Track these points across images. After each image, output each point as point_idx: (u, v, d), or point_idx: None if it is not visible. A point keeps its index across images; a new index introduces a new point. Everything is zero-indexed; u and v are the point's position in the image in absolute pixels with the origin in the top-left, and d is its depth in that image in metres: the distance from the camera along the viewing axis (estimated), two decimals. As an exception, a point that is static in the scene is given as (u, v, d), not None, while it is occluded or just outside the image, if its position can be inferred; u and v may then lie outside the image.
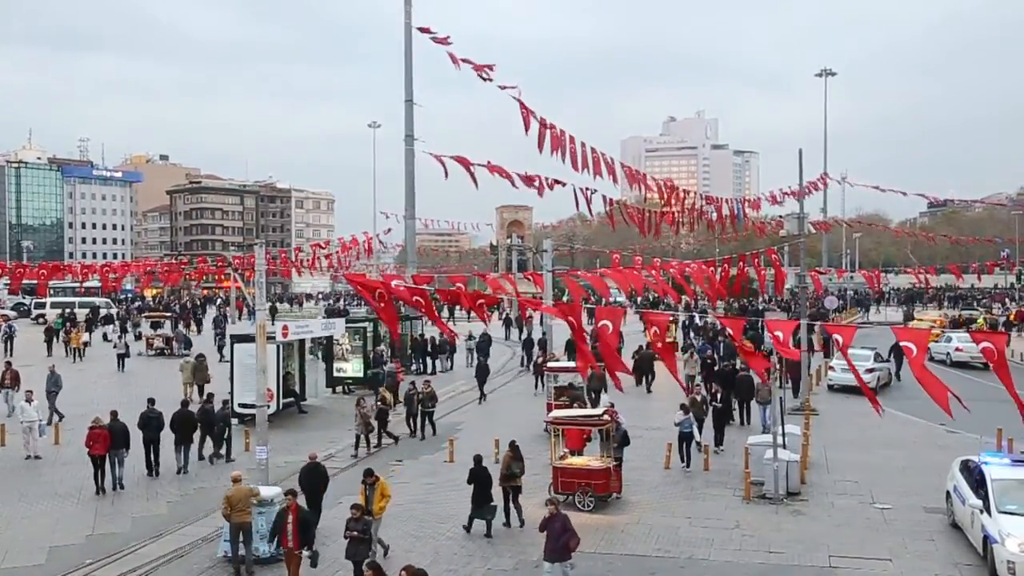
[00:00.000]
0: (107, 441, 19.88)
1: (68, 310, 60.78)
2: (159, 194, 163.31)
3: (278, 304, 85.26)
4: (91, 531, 16.96)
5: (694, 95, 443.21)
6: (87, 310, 62.08)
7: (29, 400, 23.20)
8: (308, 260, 69.68)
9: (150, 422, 21.52)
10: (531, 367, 36.28)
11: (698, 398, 23.61)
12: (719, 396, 25.08)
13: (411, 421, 25.83)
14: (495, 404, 31.43)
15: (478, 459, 16.94)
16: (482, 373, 32.38)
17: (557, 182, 30.20)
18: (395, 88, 38.51)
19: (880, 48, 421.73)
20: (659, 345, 20.43)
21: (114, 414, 20.82)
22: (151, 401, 22.42)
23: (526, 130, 26.45)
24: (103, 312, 62.67)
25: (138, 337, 50.02)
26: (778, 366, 26.55)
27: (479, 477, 16.59)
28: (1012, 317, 53.58)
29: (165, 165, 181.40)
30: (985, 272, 69.04)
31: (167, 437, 21.53)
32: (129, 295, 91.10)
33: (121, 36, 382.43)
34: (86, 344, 44.21)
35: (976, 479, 15.74)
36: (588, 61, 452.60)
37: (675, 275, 40.64)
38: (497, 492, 17.00)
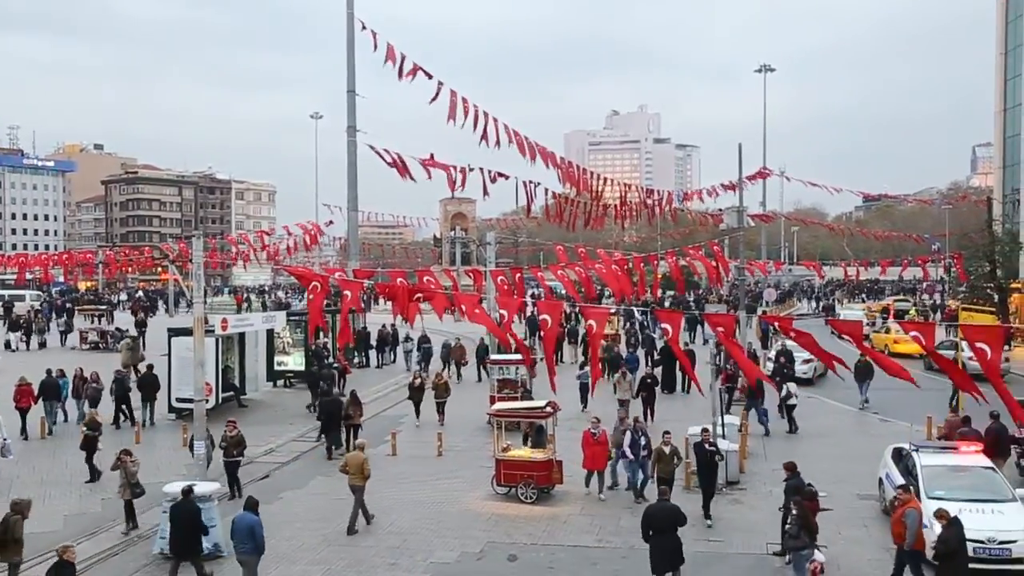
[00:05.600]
0: (32, 396, 24.48)
1: None
2: (94, 184, 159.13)
3: (217, 297, 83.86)
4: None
5: (640, 88, 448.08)
6: None
7: None
8: (254, 248, 68.57)
9: (120, 383, 25.88)
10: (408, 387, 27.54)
11: (666, 449, 17.37)
12: (716, 449, 17.61)
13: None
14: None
15: (325, 400, 23.01)
16: (332, 410, 22.79)
17: (501, 175, 30.23)
18: (340, 77, 37.96)
19: (831, 42, 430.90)
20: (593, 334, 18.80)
21: (48, 372, 25.54)
22: (125, 365, 28.12)
23: (474, 129, 26.47)
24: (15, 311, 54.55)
25: (42, 342, 45.04)
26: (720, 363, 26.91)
27: (328, 414, 22.47)
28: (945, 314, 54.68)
29: (100, 154, 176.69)
30: (917, 265, 71.21)
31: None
32: (62, 287, 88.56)
33: (54, 16, 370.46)
34: None
35: (907, 466, 16.22)
36: (533, 52, 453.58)
37: (613, 271, 39.73)
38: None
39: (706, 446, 17.22)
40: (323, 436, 23.00)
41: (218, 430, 19.35)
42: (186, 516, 13.61)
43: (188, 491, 14.14)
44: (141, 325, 45.26)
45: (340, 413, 22.56)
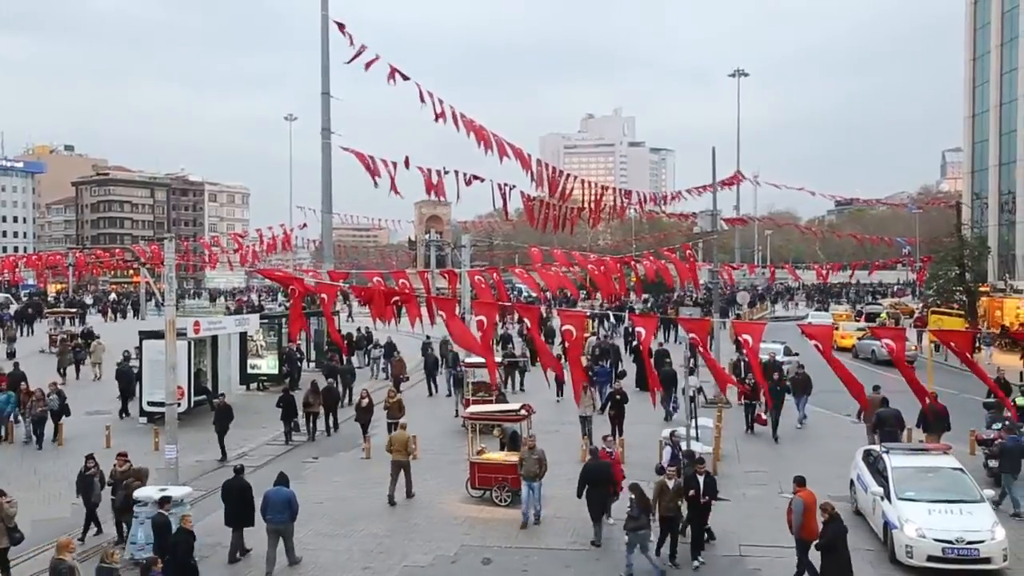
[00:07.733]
0: (2, 384, 25.90)
1: None
2: (64, 186, 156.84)
3: (189, 300, 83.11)
4: (-13, 537, 16.21)
5: (615, 91, 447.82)
6: None
7: None
8: (227, 251, 68.02)
9: (123, 375, 27.58)
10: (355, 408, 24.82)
11: (670, 484, 14.91)
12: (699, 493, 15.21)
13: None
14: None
15: (286, 389, 25.87)
16: (289, 399, 24.78)
17: (476, 178, 30.07)
18: (315, 79, 37.82)
19: (811, 46, 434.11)
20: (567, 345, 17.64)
21: (16, 364, 28.46)
22: (127, 357, 28.86)
23: (456, 128, 26.29)
24: None
25: (10, 352, 41.25)
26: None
27: (286, 402, 24.37)
28: (914, 321, 55.13)
29: (70, 156, 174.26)
30: (892, 269, 72.19)
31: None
32: (31, 289, 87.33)
33: (24, 13, 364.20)
34: None
35: (877, 468, 16.40)
36: (508, 53, 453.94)
37: (590, 272, 39.62)
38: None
39: (690, 492, 15.04)
40: (288, 430, 24.61)
41: (188, 434, 19.14)
42: (238, 492, 15.40)
43: (240, 470, 16.06)
44: (87, 335, 43.12)
45: (293, 403, 24.74)
